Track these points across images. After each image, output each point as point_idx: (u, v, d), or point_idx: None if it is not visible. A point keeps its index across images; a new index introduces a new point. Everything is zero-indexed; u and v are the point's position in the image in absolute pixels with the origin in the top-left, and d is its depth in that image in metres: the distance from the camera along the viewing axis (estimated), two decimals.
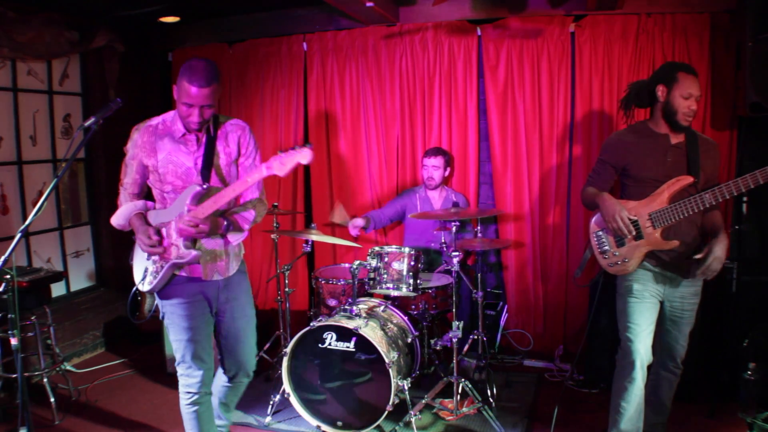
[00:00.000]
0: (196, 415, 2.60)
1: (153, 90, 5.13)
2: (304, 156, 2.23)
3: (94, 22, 4.41)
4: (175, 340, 2.55)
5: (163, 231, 2.49)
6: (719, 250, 2.53)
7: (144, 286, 2.54)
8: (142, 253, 2.56)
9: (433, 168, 4.10)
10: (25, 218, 4.17)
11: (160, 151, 2.47)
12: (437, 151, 4.13)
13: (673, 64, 2.67)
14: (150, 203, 2.59)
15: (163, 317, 2.59)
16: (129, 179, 2.57)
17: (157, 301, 2.60)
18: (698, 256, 2.55)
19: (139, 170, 2.53)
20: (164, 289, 2.54)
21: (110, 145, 4.78)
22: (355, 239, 4.29)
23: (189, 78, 2.37)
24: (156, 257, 2.50)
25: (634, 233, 2.62)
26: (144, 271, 2.55)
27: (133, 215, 2.53)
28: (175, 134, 2.48)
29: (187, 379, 2.57)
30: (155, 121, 2.54)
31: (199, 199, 2.44)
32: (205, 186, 2.45)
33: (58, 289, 4.45)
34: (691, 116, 2.59)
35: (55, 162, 4.44)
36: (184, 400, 2.59)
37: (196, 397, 2.57)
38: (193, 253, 2.45)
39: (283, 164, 2.25)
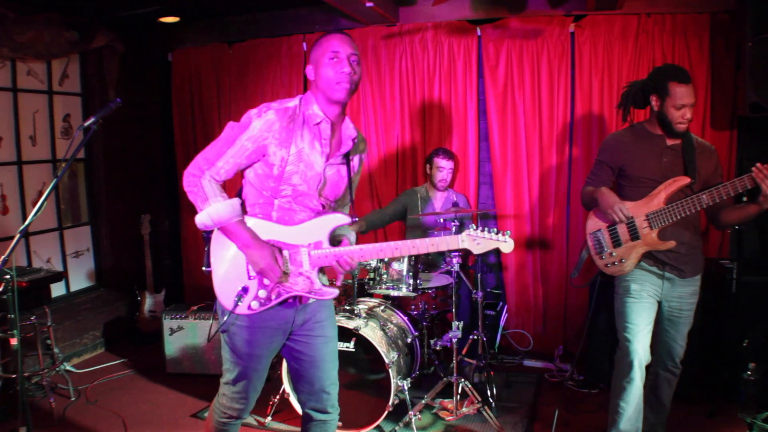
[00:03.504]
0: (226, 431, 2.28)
1: (153, 90, 5.14)
2: (507, 246, 2.04)
3: (94, 22, 4.41)
4: (231, 362, 2.16)
5: (285, 254, 2.07)
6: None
7: (242, 310, 2.07)
8: (235, 269, 2.08)
9: (448, 171, 4.05)
10: (25, 218, 4.17)
11: (294, 143, 2.02)
12: (451, 154, 4.08)
13: (666, 72, 2.61)
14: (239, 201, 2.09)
15: (224, 331, 2.14)
16: (230, 164, 2.01)
17: (223, 315, 2.14)
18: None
19: (252, 157, 2.02)
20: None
21: (110, 145, 4.79)
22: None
23: (330, 35, 2.05)
24: (267, 281, 2.07)
25: (632, 218, 2.62)
26: (241, 291, 2.06)
27: (235, 222, 2.01)
28: (309, 121, 2.05)
29: (231, 402, 2.21)
30: (291, 103, 2.06)
31: (344, 233, 2.14)
32: (355, 219, 2.11)
33: (58, 289, 4.44)
34: (685, 123, 2.59)
35: (55, 162, 4.43)
36: (218, 414, 2.25)
37: (232, 420, 2.25)
38: (335, 292, 2.09)
39: (479, 246, 2.04)
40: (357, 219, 2.16)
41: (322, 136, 2.06)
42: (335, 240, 2.14)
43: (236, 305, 2.05)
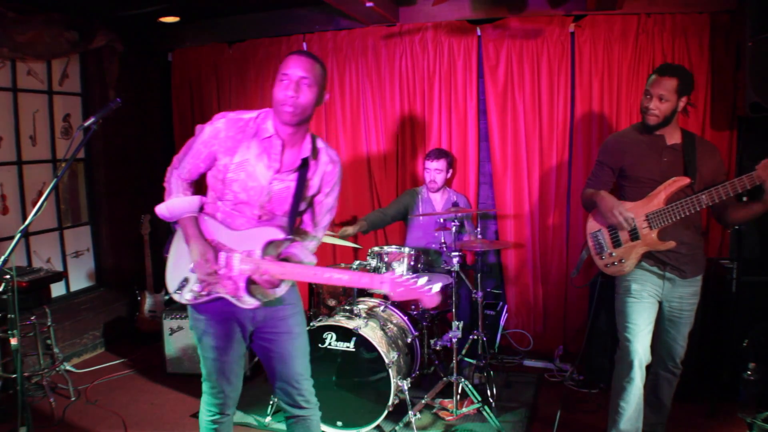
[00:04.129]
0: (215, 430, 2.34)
1: (153, 90, 5.14)
2: (431, 300, 1.97)
3: (94, 22, 4.41)
4: (202, 356, 2.28)
5: (221, 255, 2.17)
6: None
7: (182, 298, 2.22)
8: (184, 259, 2.22)
9: (435, 171, 4.04)
10: (25, 218, 4.17)
11: (239, 153, 2.12)
12: (440, 154, 4.06)
13: (656, 68, 2.68)
14: (203, 199, 2.24)
15: (191, 327, 2.31)
16: (189, 165, 2.19)
17: (189, 310, 2.31)
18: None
19: (207, 160, 2.17)
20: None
21: (110, 145, 4.79)
22: (354, 239, 4.28)
23: (291, 53, 2.13)
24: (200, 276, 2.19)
25: (634, 225, 2.62)
26: (184, 281, 2.21)
27: (187, 216, 2.19)
28: (260, 134, 2.13)
29: (210, 397, 2.30)
30: (247, 115, 2.16)
31: (275, 247, 2.19)
32: (288, 238, 2.17)
33: (58, 289, 4.44)
34: (651, 114, 2.58)
35: (55, 162, 4.43)
36: (204, 414, 2.33)
37: (217, 416, 2.31)
38: (256, 303, 2.15)
39: (400, 293, 1.96)
40: (292, 238, 2.22)
41: (272, 151, 2.13)
42: (280, 257, 2.21)
43: (177, 291, 2.21)
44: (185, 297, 2.21)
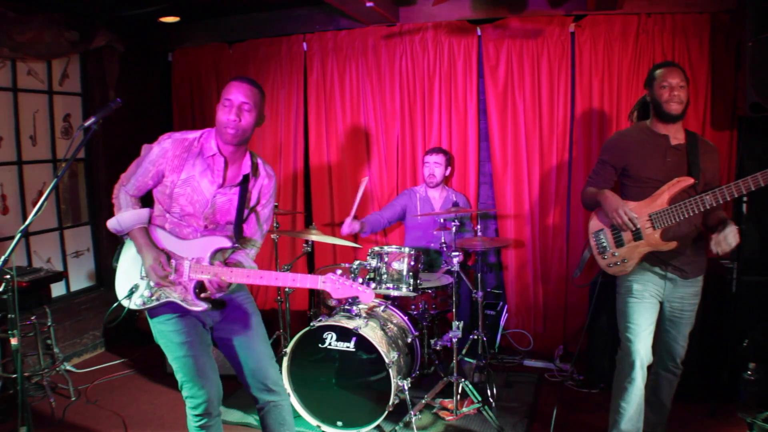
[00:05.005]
0: None
1: (153, 90, 5.14)
2: (366, 297, 2.19)
3: (94, 22, 4.41)
4: (173, 360, 2.36)
5: (172, 262, 2.33)
6: (733, 229, 2.49)
7: (130, 304, 2.34)
8: (134, 266, 2.38)
9: (434, 164, 4.10)
10: (25, 218, 4.17)
11: (185, 170, 2.32)
12: (438, 149, 4.15)
13: (654, 65, 2.72)
14: (151, 211, 2.41)
15: (154, 335, 2.40)
16: (138, 182, 2.37)
17: (151, 322, 2.41)
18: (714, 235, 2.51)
19: (155, 178, 2.35)
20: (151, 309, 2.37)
21: (110, 145, 4.79)
22: (354, 239, 4.28)
23: (233, 79, 2.33)
24: (152, 283, 2.33)
25: (638, 226, 2.61)
26: (133, 287, 2.35)
27: (137, 228, 2.35)
28: (204, 152, 2.34)
29: (193, 400, 2.34)
30: (192, 135, 2.38)
31: (222, 254, 2.37)
32: (235, 245, 2.37)
33: (58, 289, 4.45)
34: (676, 102, 2.58)
35: (55, 162, 4.43)
36: (192, 422, 2.36)
37: (204, 420, 2.33)
38: (204, 306, 2.31)
39: (339, 290, 2.19)
40: (238, 246, 2.41)
41: (215, 168, 2.34)
42: (226, 263, 2.38)
43: (126, 298, 2.34)
44: (135, 303, 2.34)
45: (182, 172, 2.32)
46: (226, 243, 2.34)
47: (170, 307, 2.34)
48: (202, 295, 2.34)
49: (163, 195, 2.36)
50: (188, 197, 2.32)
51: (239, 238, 2.42)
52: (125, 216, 2.36)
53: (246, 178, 2.39)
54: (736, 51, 3.68)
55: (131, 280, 2.37)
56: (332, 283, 2.19)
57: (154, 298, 2.33)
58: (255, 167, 2.44)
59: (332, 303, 3.66)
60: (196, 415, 2.34)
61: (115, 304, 2.37)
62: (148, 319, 2.40)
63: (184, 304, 2.31)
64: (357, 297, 2.19)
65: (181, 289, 2.32)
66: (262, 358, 2.48)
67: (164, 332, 2.35)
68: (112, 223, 2.37)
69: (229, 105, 2.28)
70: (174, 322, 2.35)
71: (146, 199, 2.46)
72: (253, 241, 2.51)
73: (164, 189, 2.35)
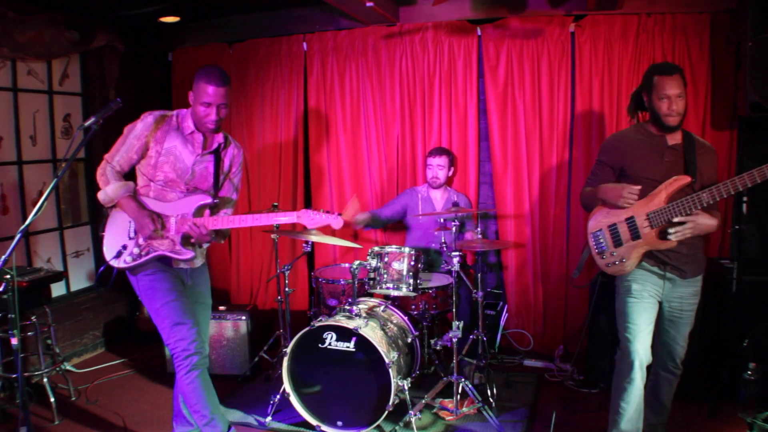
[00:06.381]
0: (200, 382, 2.65)
1: (153, 90, 5.13)
2: (336, 222, 2.57)
3: (94, 22, 4.40)
4: (161, 306, 2.63)
5: (158, 220, 2.68)
6: (702, 219, 2.53)
7: (119, 263, 2.67)
8: (121, 230, 2.71)
9: (438, 167, 4.10)
10: (25, 218, 4.17)
11: (167, 141, 2.67)
12: (442, 151, 4.14)
13: (653, 67, 2.67)
14: (134, 185, 2.74)
15: (139, 292, 2.70)
16: (123, 157, 2.69)
17: (130, 278, 2.73)
18: (678, 219, 2.53)
19: (139, 151, 2.68)
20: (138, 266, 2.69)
21: (110, 145, 4.76)
22: (354, 239, 4.28)
23: (207, 79, 2.59)
24: (141, 240, 2.66)
25: (635, 223, 2.61)
26: (121, 248, 2.67)
27: (125, 196, 2.67)
28: (184, 130, 2.70)
29: (182, 342, 2.62)
30: (170, 113, 2.73)
31: (205, 209, 2.73)
32: (216, 200, 2.76)
33: (58, 289, 4.45)
34: (674, 115, 2.58)
35: (55, 162, 4.43)
36: (182, 370, 2.63)
37: (195, 358, 2.63)
38: (191, 253, 2.67)
39: (313, 220, 2.56)
40: (217, 200, 2.82)
41: (195, 142, 2.73)
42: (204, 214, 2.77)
43: (115, 258, 2.67)
44: (124, 261, 2.67)
45: (165, 143, 2.66)
46: (207, 199, 2.73)
47: (157, 263, 2.70)
48: (191, 242, 2.72)
49: (148, 166, 2.69)
50: (171, 164, 2.68)
51: (217, 197, 2.82)
52: (113, 187, 2.67)
53: (219, 147, 2.79)
54: (736, 51, 3.68)
55: (120, 242, 2.69)
56: (306, 216, 2.57)
57: (143, 253, 2.67)
58: (226, 138, 2.85)
59: (331, 303, 3.66)
60: (186, 357, 2.61)
61: (104, 266, 2.68)
62: (132, 278, 2.71)
63: (172, 255, 2.68)
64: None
65: (169, 243, 2.69)
66: (203, 321, 2.91)
67: (152, 282, 2.67)
68: (101, 195, 2.69)
69: (209, 106, 2.61)
70: (161, 274, 2.69)
71: (129, 177, 2.78)
72: (228, 199, 2.90)
73: (149, 160, 2.68)
